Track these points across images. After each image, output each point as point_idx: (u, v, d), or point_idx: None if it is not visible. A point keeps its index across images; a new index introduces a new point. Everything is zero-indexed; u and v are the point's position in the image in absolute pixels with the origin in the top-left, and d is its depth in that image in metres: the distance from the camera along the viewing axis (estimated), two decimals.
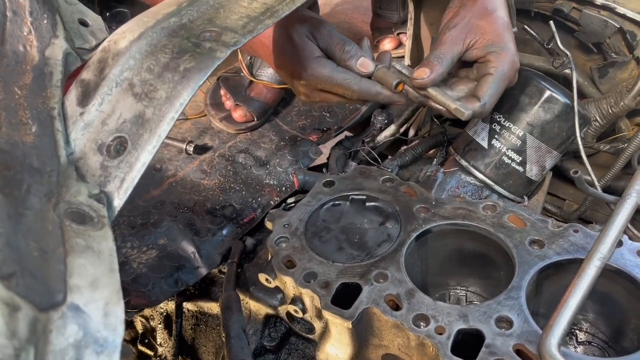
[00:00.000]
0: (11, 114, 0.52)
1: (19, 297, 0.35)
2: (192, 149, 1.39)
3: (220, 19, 0.61)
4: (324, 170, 1.36)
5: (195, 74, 0.55)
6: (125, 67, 0.57)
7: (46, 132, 0.52)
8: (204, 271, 1.15)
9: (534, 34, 1.18)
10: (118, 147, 0.54)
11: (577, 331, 0.91)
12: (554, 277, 0.85)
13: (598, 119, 1.13)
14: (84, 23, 0.66)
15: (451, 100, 0.87)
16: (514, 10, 0.98)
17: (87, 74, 0.58)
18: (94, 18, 0.67)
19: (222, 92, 1.51)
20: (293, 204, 1.17)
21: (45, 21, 0.61)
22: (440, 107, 0.89)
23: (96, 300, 0.40)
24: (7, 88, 0.55)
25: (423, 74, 0.87)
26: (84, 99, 0.56)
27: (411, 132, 1.45)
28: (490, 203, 0.93)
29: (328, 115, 1.54)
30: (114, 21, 1.52)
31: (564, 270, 0.83)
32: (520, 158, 1.03)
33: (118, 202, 0.51)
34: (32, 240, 0.40)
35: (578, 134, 0.98)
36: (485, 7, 0.91)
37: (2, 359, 0.33)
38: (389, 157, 1.32)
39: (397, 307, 0.81)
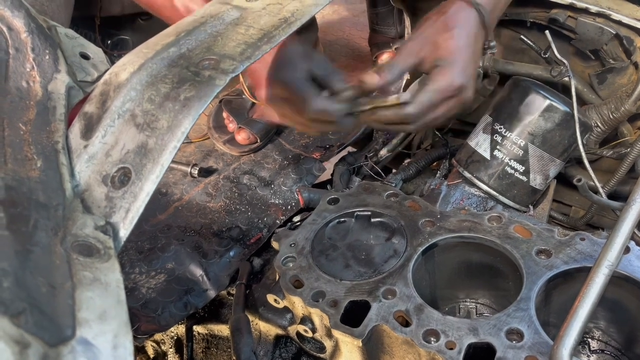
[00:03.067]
0: (16, 150, 0.53)
1: (29, 334, 0.36)
2: (196, 172, 1.40)
3: (218, 47, 0.62)
4: (329, 186, 1.36)
5: (195, 103, 0.56)
6: (127, 99, 0.58)
7: (51, 167, 0.53)
8: (212, 294, 1.15)
9: (531, 43, 1.18)
10: (122, 178, 0.54)
11: (589, 340, 0.91)
12: (562, 286, 0.84)
13: (599, 124, 1.13)
14: (85, 56, 0.68)
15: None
16: (490, 25, 0.97)
17: (89, 107, 0.59)
18: (95, 51, 0.69)
19: (225, 114, 1.52)
20: (299, 223, 1.17)
21: (47, 56, 0.63)
22: (382, 115, 0.91)
23: (105, 333, 0.40)
24: (12, 124, 0.56)
25: (372, 79, 0.90)
26: (88, 132, 0.57)
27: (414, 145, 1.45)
28: (495, 214, 0.93)
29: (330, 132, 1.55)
30: (115, 49, 1.55)
31: (572, 279, 0.83)
32: (523, 168, 1.03)
33: (124, 232, 0.51)
34: (40, 275, 0.41)
35: (580, 142, 0.98)
36: (446, 24, 0.93)
37: None
38: (393, 170, 1.32)
39: (406, 323, 0.80)
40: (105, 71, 0.65)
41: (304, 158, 1.47)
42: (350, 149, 1.56)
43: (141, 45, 0.63)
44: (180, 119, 0.55)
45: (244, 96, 1.52)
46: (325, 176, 1.48)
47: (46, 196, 0.49)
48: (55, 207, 0.49)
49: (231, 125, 1.50)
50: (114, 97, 0.58)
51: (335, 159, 1.48)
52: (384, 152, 1.40)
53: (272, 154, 1.49)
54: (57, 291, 0.41)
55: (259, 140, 1.47)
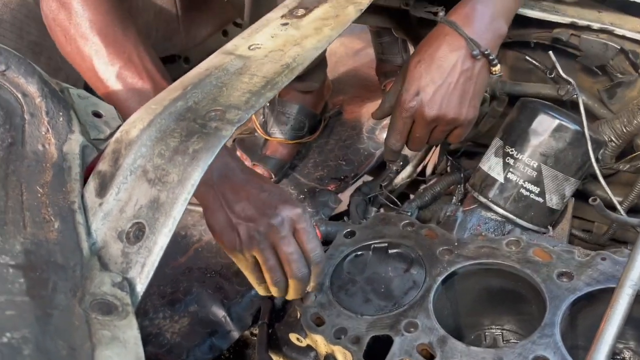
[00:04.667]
0: (35, 213, 0.55)
1: None
2: None
3: (224, 98, 0.64)
4: (345, 218, 1.36)
5: (204, 154, 0.58)
6: (138, 155, 0.59)
7: (68, 227, 0.55)
8: (236, 335, 1.15)
9: (537, 63, 1.19)
10: (137, 233, 0.56)
11: None
12: (587, 308, 0.83)
13: (614, 139, 1.12)
14: (97, 114, 0.70)
15: None
16: (484, 47, 0.98)
17: (103, 166, 0.61)
18: (107, 109, 0.71)
19: (239, 153, 1.54)
20: None
21: (61, 118, 0.65)
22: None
23: None
24: (29, 188, 0.58)
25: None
26: (102, 190, 0.59)
27: (428, 171, 1.45)
28: (513, 239, 0.92)
29: (344, 163, 1.56)
30: None
31: (596, 301, 0.81)
32: (539, 189, 1.02)
33: (140, 287, 0.53)
34: (60, 339, 0.42)
35: (593, 159, 0.98)
36: (414, 55, 1.00)
37: None
38: (410, 196, 1.32)
39: (430, 356, 0.79)
40: (117, 128, 0.67)
41: (319, 191, 1.47)
42: (365, 178, 1.56)
43: (150, 101, 0.66)
44: (190, 172, 0.57)
45: (256, 134, 1.54)
46: (342, 207, 1.48)
47: (64, 257, 0.51)
48: (73, 267, 0.50)
49: (245, 164, 1.52)
50: (125, 154, 0.60)
51: (350, 189, 1.48)
52: (398, 180, 1.40)
53: (287, 189, 1.50)
54: (77, 352, 0.42)
55: (273, 176, 1.48)
